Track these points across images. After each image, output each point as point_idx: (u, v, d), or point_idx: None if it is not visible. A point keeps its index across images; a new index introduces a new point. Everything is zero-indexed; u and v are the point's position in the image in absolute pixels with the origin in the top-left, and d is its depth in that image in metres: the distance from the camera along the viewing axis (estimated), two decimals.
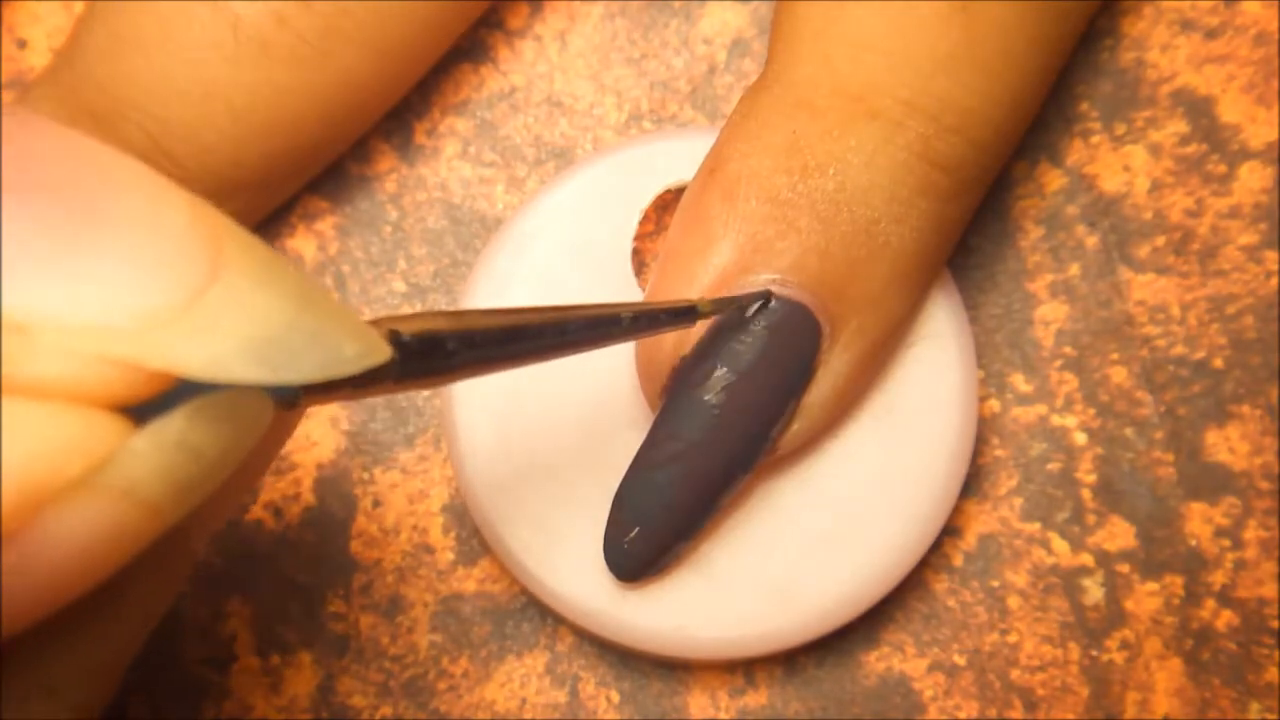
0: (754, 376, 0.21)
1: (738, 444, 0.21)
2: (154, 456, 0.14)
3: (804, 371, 0.21)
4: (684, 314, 0.20)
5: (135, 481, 0.14)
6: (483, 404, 0.23)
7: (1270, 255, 0.25)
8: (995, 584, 0.25)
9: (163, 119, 0.22)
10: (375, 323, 0.16)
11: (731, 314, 0.21)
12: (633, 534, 0.22)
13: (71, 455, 0.13)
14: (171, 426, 0.14)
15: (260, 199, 0.24)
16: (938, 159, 0.21)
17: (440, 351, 0.17)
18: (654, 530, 0.22)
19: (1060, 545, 0.25)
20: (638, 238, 0.24)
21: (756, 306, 0.21)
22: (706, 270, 0.21)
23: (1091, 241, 0.25)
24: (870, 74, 0.21)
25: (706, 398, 0.21)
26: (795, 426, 0.22)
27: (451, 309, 0.18)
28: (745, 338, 0.21)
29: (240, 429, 0.15)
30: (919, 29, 0.21)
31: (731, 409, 0.21)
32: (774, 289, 0.21)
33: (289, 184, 0.25)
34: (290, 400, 0.15)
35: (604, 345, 0.19)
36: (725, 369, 0.21)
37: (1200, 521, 0.25)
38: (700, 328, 0.21)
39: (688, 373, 0.21)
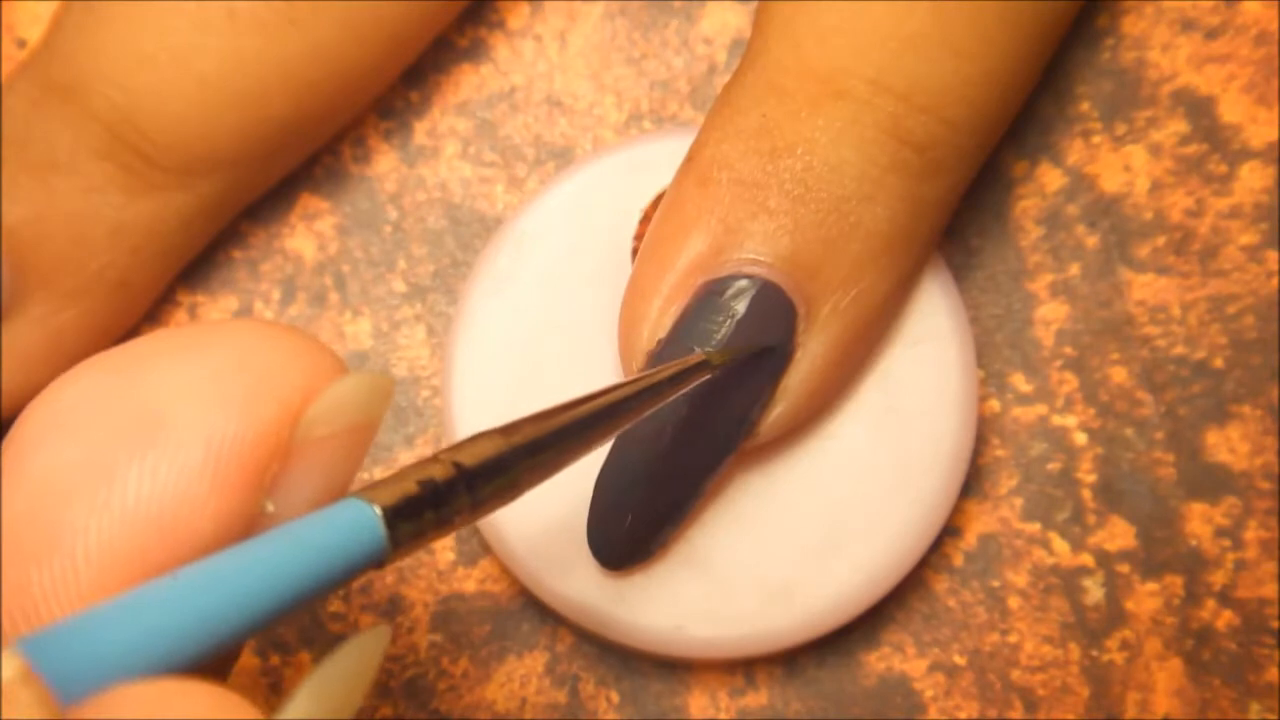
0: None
1: (715, 426, 0.21)
2: None
3: (780, 352, 0.21)
4: (697, 368, 0.20)
5: None
6: (483, 404, 0.23)
7: (1271, 255, 0.25)
8: (995, 584, 0.25)
9: (130, 88, 0.22)
10: (435, 458, 0.16)
11: (706, 296, 0.21)
12: (614, 518, 0.22)
13: None
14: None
15: (240, 180, 0.24)
16: (908, 137, 0.21)
17: (503, 469, 0.17)
18: (636, 514, 0.22)
19: (1060, 545, 0.25)
20: (637, 237, 0.24)
21: (736, 288, 0.21)
22: (682, 255, 0.21)
23: (1092, 241, 0.25)
24: (837, 56, 0.21)
25: None
26: (777, 409, 0.22)
27: (500, 425, 0.18)
28: (718, 318, 0.21)
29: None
30: (885, 11, 0.21)
31: (705, 390, 0.21)
32: (747, 269, 0.21)
33: (269, 166, 0.24)
34: (377, 561, 0.16)
35: (642, 415, 0.19)
36: (698, 350, 0.21)
37: (1200, 521, 0.25)
38: (675, 311, 0.21)
39: (663, 355, 0.21)
